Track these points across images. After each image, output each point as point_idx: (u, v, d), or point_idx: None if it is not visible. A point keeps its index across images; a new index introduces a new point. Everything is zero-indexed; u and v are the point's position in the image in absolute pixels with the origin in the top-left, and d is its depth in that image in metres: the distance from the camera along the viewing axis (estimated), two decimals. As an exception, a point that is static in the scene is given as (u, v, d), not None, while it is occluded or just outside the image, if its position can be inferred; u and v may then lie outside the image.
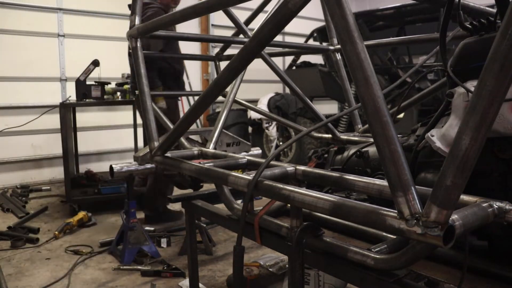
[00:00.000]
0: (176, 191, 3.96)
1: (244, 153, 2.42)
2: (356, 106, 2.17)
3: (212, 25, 7.43)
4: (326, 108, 7.97)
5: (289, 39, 7.44)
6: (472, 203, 1.01)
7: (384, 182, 1.17)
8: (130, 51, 2.26)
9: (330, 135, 2.58)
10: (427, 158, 1.33)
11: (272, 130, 6.29)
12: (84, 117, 5.86)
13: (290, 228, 1.36)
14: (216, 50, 3.51)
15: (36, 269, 2.99)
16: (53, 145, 5.75)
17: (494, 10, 1.31)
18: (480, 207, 0.96)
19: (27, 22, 5.68)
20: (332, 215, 1.23)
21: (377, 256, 1.12)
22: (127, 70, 4.61)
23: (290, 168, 1.49)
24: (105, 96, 4.51)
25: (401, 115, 4.67)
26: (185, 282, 2.64)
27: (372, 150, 1.68)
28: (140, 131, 4.78)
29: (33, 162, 5.83)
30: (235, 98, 2.60)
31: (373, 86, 0.93)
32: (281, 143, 6.32)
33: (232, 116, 6.27)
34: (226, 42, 3.00)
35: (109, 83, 4.62)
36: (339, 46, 2.80)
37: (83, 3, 6.08)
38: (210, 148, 2.16)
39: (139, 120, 4.54)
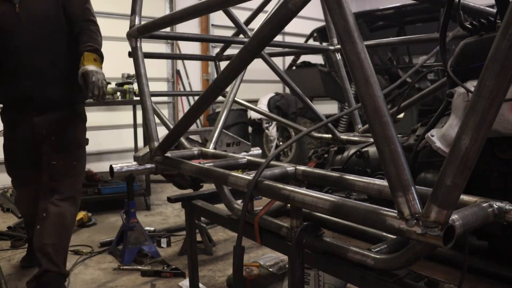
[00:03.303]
0: (176, 191, 3.96)
1: (244, 153, 2.43)
2: (356, 106, 2.17)
3: (212, 25, 7.42)
4: (326, 108, 7.97)
5: (289, 39, 7.44)
6: (472, 203, 1.01)
7: (384, 182, 1.17)
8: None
9: (330, 135, 2.58)
10: (427, 158, 1.33)
11: (272, 130, 6.29)
12: (84, 117, 5.85)
13: (290, 228, 1.36)
14: (216, 50, 3.50)
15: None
16: (53, 145, 5.75)
17: (494, 10, 1.31)
18: (480, 207, 0.96)
19: (27, 22, 5.67)
20: (332, 215, 1.22)
21: (377, 256, 1.12)
22: (127, 70, 4.61)
23: (290, 168, 1.49)
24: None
25: (401, 115, 4.67)
26: (185, 282, 2.64)
27: (372, 150, 1.68)
28: (140, 131, 4.78)
29: (33, 162, 5.82)
30: (235, 98, 2.60)
31: (373, 86, 0.93)
32: (281, 143, 6.32)
33: (232, 116, 6.27)
34: (226, 42, 3.00)
35: (109, 83, 4.62)
36: (339, 46, 2.80)
37: (83, 3, 6.08)
38: (210, 148, 2.16)
39: (139, 120, 4.55)
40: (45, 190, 2.32)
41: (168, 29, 5.11)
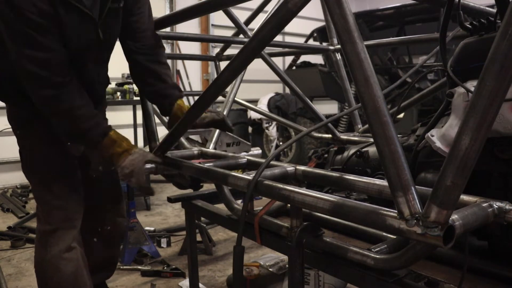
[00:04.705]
0: (176, 191, 3.96)
1: (244, 153, 2.42)
2: (356, 106, 2.17)
3: (212, 25, 7.43)
4: (326, 108, 7.97)
5: (289, 39, 7.44)
6: (472, 203, 1.01)
7: (384, 182, 1.17)
8: None
9: (330, 135, 2.58)
10: (427, 158, 1.33)
11: (272, 130, 6.29)
12: (84, 117, 5.84)
13: (290, 228, 1.36)
14: (216, 50, 3.50)
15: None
16: (53, 145, 5.74)
17: (494, 10, 1.31)
18: (480, 207, 0.96)
19: (27, 22, 5.66)
20: (332, 215, 1.22)
21: (377, 256, 1.12)
22: (127, 70, 4.61)
23: (290, 168, 1.49)
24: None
25: (401, 115, 4.67)
26: (185, 282, 2.64)
27: (372, 150, 1.68)
28: (140, 131, 4.78)
29: (33, 162, 5.82)
30: (235, 98, 2.60)
31: (373, 86, 0.93)
32: (281, 143, 6.32)
33: (232, 116, 6.27)
34: (226, 42, 3.00)
35: (109, 83, 4.62)
36: (339, 46, 2.80)
37: (83, 3, 6.07)
38: (210, 148, 2.16)
39: (139, 120, 4.54)
40: None
41: (168, 29, 5.12)
